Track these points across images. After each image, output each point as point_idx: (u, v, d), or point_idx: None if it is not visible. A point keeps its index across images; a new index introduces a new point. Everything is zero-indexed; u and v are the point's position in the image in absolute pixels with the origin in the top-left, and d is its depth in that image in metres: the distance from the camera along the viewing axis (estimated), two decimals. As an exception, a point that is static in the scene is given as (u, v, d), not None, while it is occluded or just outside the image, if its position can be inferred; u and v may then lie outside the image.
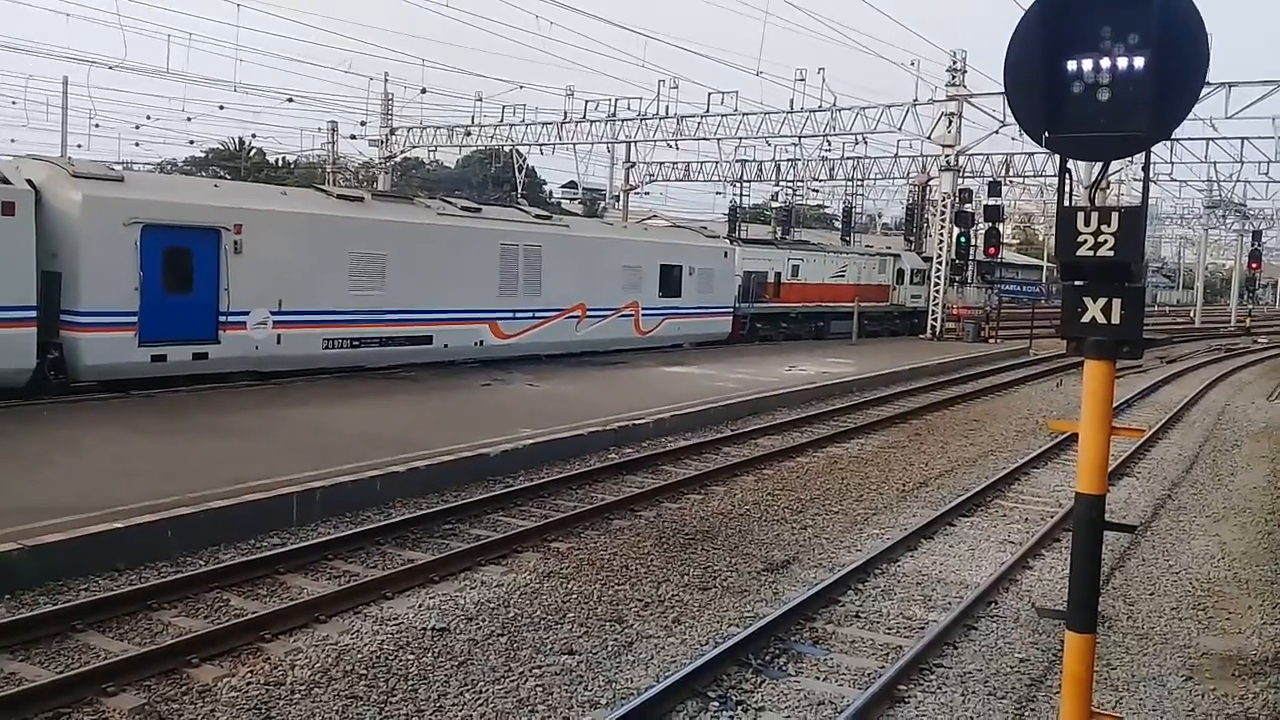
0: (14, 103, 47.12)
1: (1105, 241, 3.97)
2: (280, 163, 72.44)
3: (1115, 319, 4.03)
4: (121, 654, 7.16)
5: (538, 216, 26.13)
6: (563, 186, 74.75)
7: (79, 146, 51.61)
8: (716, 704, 6.95)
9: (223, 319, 17.72)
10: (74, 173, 16.38)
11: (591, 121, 45.78)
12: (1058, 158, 4.30)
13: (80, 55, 57.28)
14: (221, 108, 49.98)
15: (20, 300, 15.06)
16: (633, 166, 53.97)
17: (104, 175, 17.19)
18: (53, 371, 15.86)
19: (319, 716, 6.51)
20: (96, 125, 49.54)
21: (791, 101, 41.04)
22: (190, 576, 8.78)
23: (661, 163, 55.01)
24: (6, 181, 15.20)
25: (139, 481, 10.67)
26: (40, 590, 8.32)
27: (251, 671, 7.11)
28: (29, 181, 15.56)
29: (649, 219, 52.68)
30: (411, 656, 7.52)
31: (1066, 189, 4.21)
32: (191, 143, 63.23)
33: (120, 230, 16.24)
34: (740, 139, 45.26)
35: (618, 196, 54.91)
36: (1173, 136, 30.61)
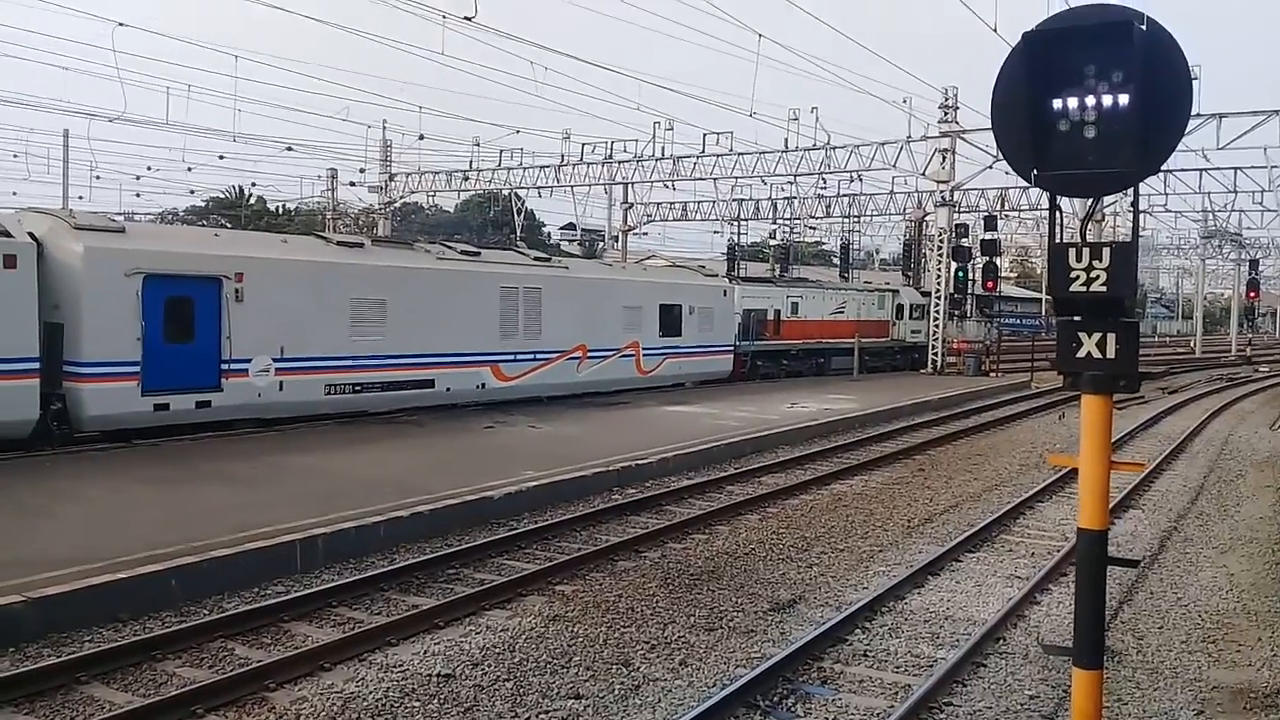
0: (15, 156, 47.52)
1: (1098, 277, 4.02)
2: (280, 210, 72.86)
3: (1110, 353, 4.07)
4: (126, 705, 7.13)
5: (537, 259, 26.26)
6: (561, 228, 75.16)
7: (80, 198, 51.93)
8: (724, 746, 6.90)
9: (225, 367, 17.77)
10: (75, 224, 16.51)
11: (589, 164, 46.15)
12: (1048, 194, 4.36)
13: (80, 108, 57.88)
14: (221, 157, 50.58)
15: (23, 352, 15.12)
16: (630, 207, 54.29)
17: (105, 226, 17.32)
18: (55, 422, 15.88)
19: (325, 766, 6.46)
20: (97, 177, 49.88)
21: (786, 141, 41.39)
22: (194, 626, 8.74)
23: (659, 203, 55.34)
24: (9, 235, 15.32)
25: (142, 531, 10.65)
26: (44, 642, 8.29)
27: (256, 721, 7.07)
28: (31, 234, 15.68)
29: (648, 259, 52.82)
30: (417, 704, 7.48)
31: (1058, 225, 4.26)
32: (192, 192, 63.66)
33: (122, 281, 16.34)
34: (736, 178, 45.60)
35: (616, 237, 55.17)
36: (1165, 168, 30.81)
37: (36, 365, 15.32)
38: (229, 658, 8.30)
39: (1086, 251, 4.04)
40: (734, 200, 53.28)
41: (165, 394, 16.91)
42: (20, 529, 10.79)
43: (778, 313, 36.04)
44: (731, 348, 32.09)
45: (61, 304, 15.81)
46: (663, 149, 43.75)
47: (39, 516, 11.37)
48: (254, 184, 65.75)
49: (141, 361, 16.54)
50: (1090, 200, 4.47)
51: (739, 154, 42.55)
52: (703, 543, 12.58)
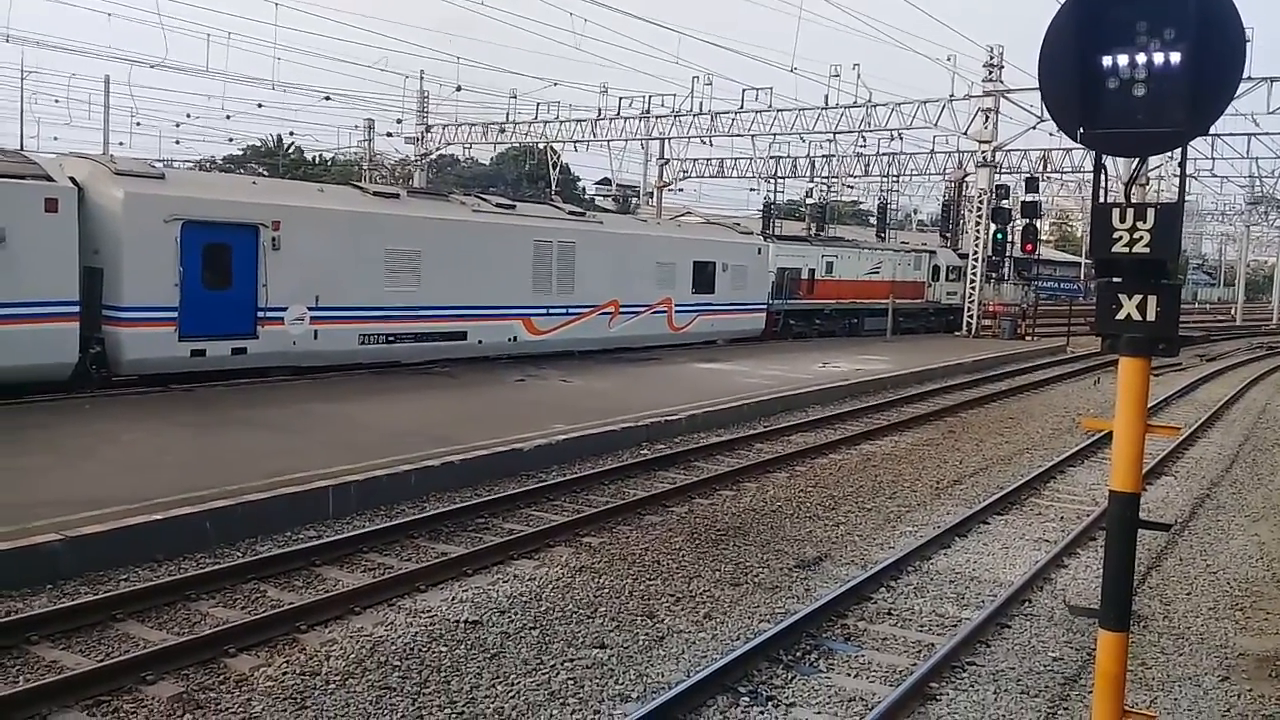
0: (57, 101, 47.89)
1: (1141, 238, 3.95)
2: (317, 160, 73.07)
3: (1150, 316, 4.00)
4: (160, 643, 7.28)
5: (571, 213, 26.20)
6: (596, 183, 74.84)
7: (120, 144, 52.41)
8: (747, 699, 6.97)
9: (261, 315, 17.92)
10: (116, 170, 16.62)
11: (625, 118, 45.80)
12: (1093, 154, 4.27)
13: (122, 54, 57.93)
14: (260, 106, 50.40)
15: (64, 296, 15.31)
16: (666, 163, 53.94)
17: (145, 173, 17.43)
18: (94, 366, 16.10)
19: (354, 707, 6.59)
20: (138, 123, 50.36)
21: (826, 98, 40.84)
22: (228, 568, 8.90)
23: (695, 159, 54.94)
24: (50, 179, 15.45)
25: (178, 474, 10.83)
26: (81, 580, 8.47)
27: (288, 661, 7.21)
28: (72, 179, 15.80)
29: (682, 216, 52.49)
30: (444, 648, 7.59)
31: (1102, 185, 4.18)
32: (230, 140, 63.96)
33: (161, 227, 16.47)
34: (774, 135, 45.06)
35: (651, 193, 54.91)
36: (1213, 131, 30.19)
37: (76, 309, 15.50)
38: (261, 599, 8.44)
39: (1130, 212, 3.96)
40: (771, 158, 52.78)
41: (202, 340, 17.10)
42: (59, 469, 10.99)
43: (812, 272, 35.80)
44: (764, 306, 31.96)
45: (101, 249, 15.96)
46: (701, 104, 43.37)
47: (77, 458, 11.57)
48: (291, 133, 66.02)
49: (179, 307, 16.70)
50: (1135, 161, 4.39)
51: (778, 111, 42.04)
52: (730, 499, 12.62)
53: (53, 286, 15.16)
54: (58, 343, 15.27)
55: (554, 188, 54.19)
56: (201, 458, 11.87)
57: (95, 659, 7.09)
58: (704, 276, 28.62)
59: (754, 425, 17.66)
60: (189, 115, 52.63)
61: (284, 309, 18.23)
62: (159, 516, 9.32)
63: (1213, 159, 46.56)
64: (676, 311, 27.67)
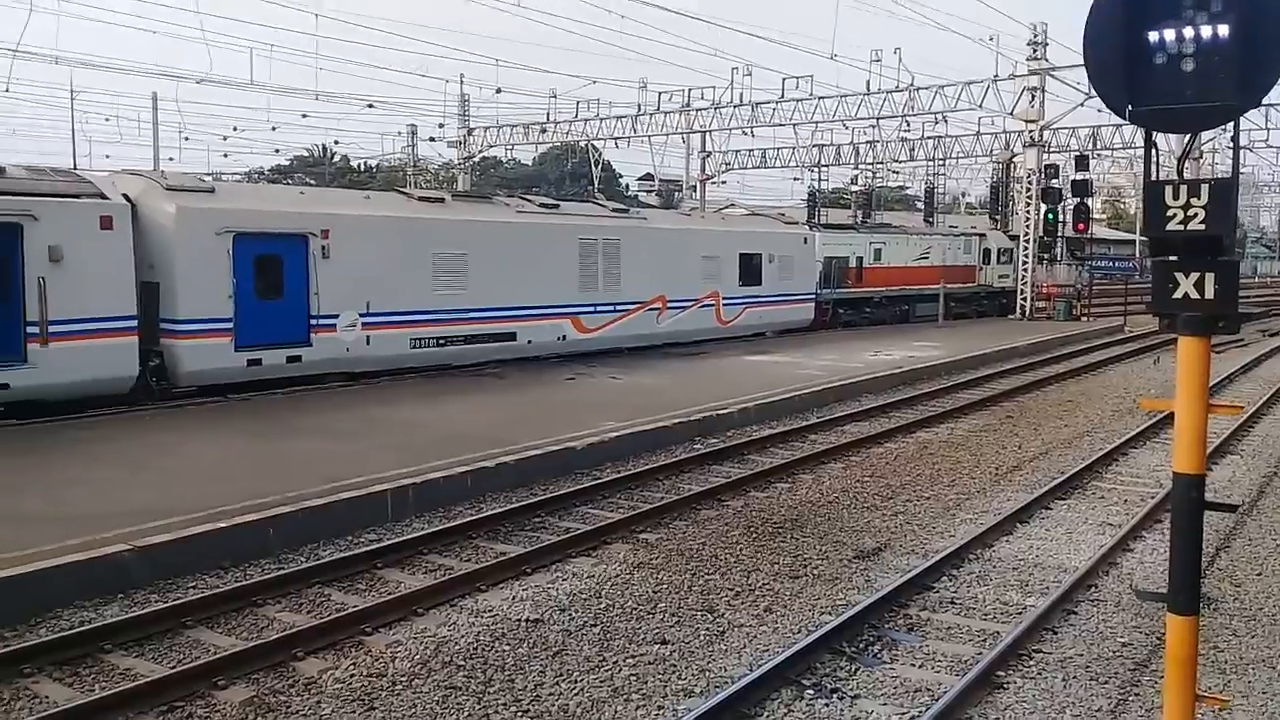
0: (106, 120, 48.86)
1: (1195, 215, 3.88)
2: (362, 167, 73.88)
3: (1209, 294, 3.93)
4: (230, 649, 7.43)
5: (615, 210, 26.24)
6: (639, 179, 74.91)
7: (170, 159, 53.30)
8: (811, 692, 6.95)
9: (314, 322, 18.18)
10: (167, 185, 16.94)
11: (665, 113, 45.76)
12: (1143, 130, 4.21)
13: (167, 70, 59.02)
14: (304, 116, 51.12)
15: (122, 311, 15.64)
16: (708, 156, 53.81)
17: (195, 187, 17.75)
18: (154, 378, 16.44)
19: (420, 707, 6.67)
20: (186, 138, 51.32)
21: (868, 83, 40.52)
22: (292, 573, 9.05)
23: (737, 151, 54.74)
24: (104, 196, 15.78)
25: (239, 483, 11.02)
26: (151, 589, 8.66)
27: (354, 664, 7.32)
28: (125, 195, 16.13)
29: (726, 208, 52.40)
30: (507, 647, 7.66)
31: (1154, 162, 4.11)
32: (277, 151, 64.96)
33: (213, 240, 16.76)
34: (816, 123, 44.81)
35: (694, 187, 54.82)
36: (1266, 102, 29.51)
37: (135, 323, 15.83)
38: (326, 603, 8.58)
39: (1184, 189, 3.90)
40: (814, 146, 52.47)
41: (257, 349, 17.38)
42: (125, 481, 11.24)
43: (860, 259, 35.51)
44: (813, 296, 31.77)
45: (156, 263, 16.28)
46: (741, 95, 43.21)
47: (142, 469, 11.82)
48: (336, 142, 66.80)
49: (234, 318, 16.99)
50: (1187, 136, 4.31)
51: (819, 98, 41.77)
52: (786, 491, 12.58)
53: (111, 302, 15.49)
54: (118, 357, 15.60)
55: (597, 185, 54.34)
56: (261, 465, 12.07)
57: (168, 665, 7.25)
58: (750, 268, 28.51)
59: (807, 416, 17.59)
60: (235, 128, 53.50)
61: (336, 316, 18.47)
62: (223, 525, 9.49)
63: (1267, 129, 45.43)
64: (724, 305, 27.60)
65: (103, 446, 12.99)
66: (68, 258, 14.95)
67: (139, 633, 7.72)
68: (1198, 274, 3.94)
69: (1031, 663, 7.51)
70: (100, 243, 15.41)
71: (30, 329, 14.67)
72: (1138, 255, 55.31)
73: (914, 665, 7.48)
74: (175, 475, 11.54)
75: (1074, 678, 7.26)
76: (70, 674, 7.12)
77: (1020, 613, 8.47)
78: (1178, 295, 3.98)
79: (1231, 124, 4.10)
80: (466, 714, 6.59)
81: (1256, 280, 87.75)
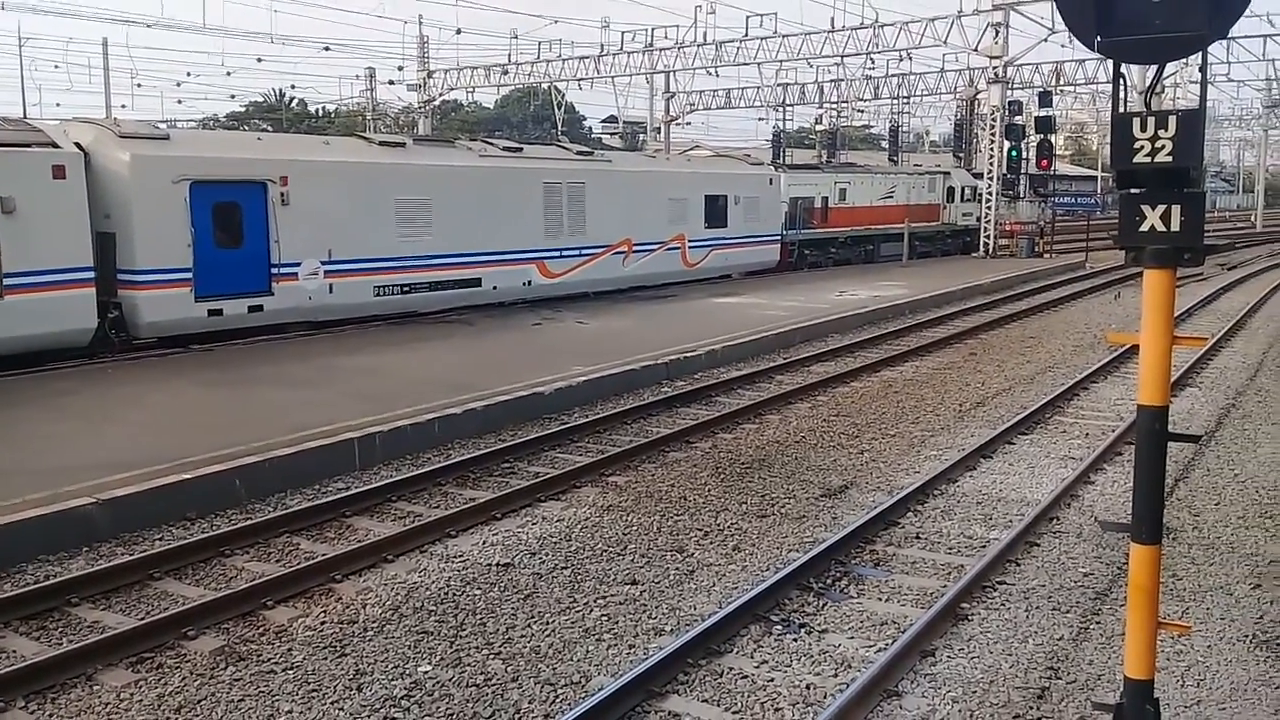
0: (56, 66, 47.77)
1: (1163, 147, 3.86)
2: (321, 113, 72.63)
3: (1175, 226, 3.93)
4: (199, 599, 7.40)
5: (579, 153, 25.99)
6: (602, 121, 74.18)
7: (123, 107, 52.15)
8: (780, 627, 7.03)
9: (275, 271, 17.93)
10: (120, 133, 16.55)
11: (629, 53, 45.23)
12: (1111, 63, 4.17)
13: (118, 15, 57.52)
14: (260, 60, 50.19)
15: (78, 262, 15.34)
16: (672, 97, 53.31)
17: (150, 134, 17.35)
18: (113, 330, 16.18)
19: (393, 652, 6.69)
20: (138, 85, 50.22)
21: (832, 20, 40.22)
22: (260, 523, 9.01)
23: (701, 91, 54.23)
24: (55, 145, 15.39)
25: (204, 433, 10.91)
26: (117, 541, 8.60)
27: (325, 611, 7.31)
28: (77, 144, 15.74)
29: (691, 150, 51.91)
30: (478, 592, 7.68)
31: (1121, 95, 4.08)
32: (233, 97, 63.65)
33: (169, 188, 16.43)
34: (781, 62, 44.43)
35: (658, 129, 54.36)
36: (1229, 35, 29.56)
37: (92, 275, 15.54)
38: (294, 552, 8.55)
39: (1151, 121, 3.87)
40: (779, 85, 52.04)
41: (218, 299, 17.14)
42: (88, 434, 11.10)
43: (825, 200, 35.45)
44: (778, 237, 31.74)
45: (112, 213, 15.95)
46: (705, 34, 42.73)
47: (104, 422, 11.68)
48: (293, 86, 65.90)
49: (193, 268, 16.72)
50: (1154, 69, 4.28)
51: (784, 36, 41.39)
52: (753, 432, 12.65)
53: (66, 253, 15.18)
54: (76, 309, 15.33)
55: (560, 128, 53.73)
56: (226, 415, 11.96)
57: (136, 617, 7.21)
58: (716, 210, 28.40)
59: (774, 357, 17.64)
60: (189, 74, 52.45)
61: (297, 264, 18.23)
62: (189, 475, 9.42)
63: (1228, 63, 45.59)
64: (690, 247, 27.52)
65: (67, 399, 12.81)
66: (20, 209, 14.61)
67: (106, 585, 7.66)
68: (1164, 206, 3.94)
69: (995, 594, 7.63)
70: (53, 193, 15.05)
71: (-17, 282, 14.37)
72: (1100, 191, 55.61)
73: (880, 599, 7.58)
74: (141, 427, 11.41)
75: (1037, 608, 7.39)
76: (37, 628, 7.07)
77: (984, 546, 8.59)
78: (1144, 228, 3.97)
79: (1198, 55, 4.06)
80: (439, 657, 6.61)
81: (1216, 214, 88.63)
